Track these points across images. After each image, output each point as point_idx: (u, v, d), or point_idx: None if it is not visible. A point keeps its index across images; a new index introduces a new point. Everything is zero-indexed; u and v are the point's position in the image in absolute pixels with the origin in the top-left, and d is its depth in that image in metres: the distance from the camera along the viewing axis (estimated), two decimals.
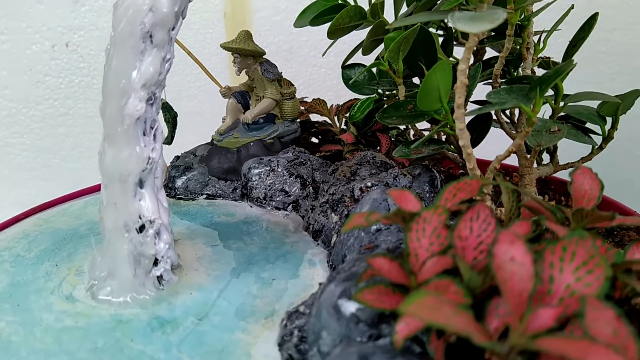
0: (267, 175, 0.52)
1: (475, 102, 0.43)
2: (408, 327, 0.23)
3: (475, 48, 0.50)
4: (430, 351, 0.25)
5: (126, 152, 0.36)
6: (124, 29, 0.34)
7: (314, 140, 0.65)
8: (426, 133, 0.48)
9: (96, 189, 0.59)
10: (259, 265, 0.43)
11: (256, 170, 0.53)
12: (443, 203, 0.29)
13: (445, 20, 0.51)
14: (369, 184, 0.43)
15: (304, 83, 0.89)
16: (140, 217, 0.37)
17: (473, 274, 0.22)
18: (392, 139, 0.58)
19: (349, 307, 0.28)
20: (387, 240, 0.35)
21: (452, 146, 0.44)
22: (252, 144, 0.55)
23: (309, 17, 0.56)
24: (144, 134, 0.36)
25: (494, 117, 0.45)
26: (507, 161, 0.45)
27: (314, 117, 0.66)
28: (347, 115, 0.59)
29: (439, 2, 0.39)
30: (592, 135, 0.45)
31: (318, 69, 0.89)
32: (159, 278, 0.39)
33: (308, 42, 0.88)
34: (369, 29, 0.53)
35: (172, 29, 0.35)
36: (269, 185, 0.52)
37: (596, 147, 0.45)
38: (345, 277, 0.30)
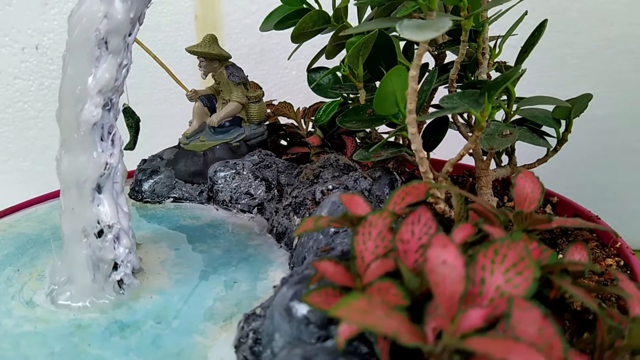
0: (233, 179, 0.52)
1: (434, 105, 0.44)
2: (350, 329, 0.23)
3: (436, 53, 0.51)
4: (377, 351, 0.26)
5: (83, 158, 0.36)
6: (78, 36, 0.34)
7: (283, 142, 0.65)
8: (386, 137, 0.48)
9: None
10: (222, 268, 0.43)
11: (222, 174, 0.53)
12: (391, 207, 0.30)
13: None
14: (330, 187, 0.44)
15: (275, 85, 0.89)
16: (98, 222, 0.37)
17: (412, 277, 0.23)
18: (358, 141, 0.59)
19: (300, 309, 0.29)
20: (344, 243, 0.36)
21: (410, 149, 0.45)
22: (218, 147, 0.56)
23: (274, 21, 0.56)
24: (102, 140, 0.36)
25: (451, 119, 0.45)
26: (471, 162, 0.47)
27: (283, 120, 0.67)
28: (314, 118, 0.59)
29: (397, 8, 0.40)
30: (548, 138, 0.46)
31: (289, 71, 0.89)
32: (120, 282, 0.39)
33: (279, 45, 0.88)
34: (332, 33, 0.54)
35: (128, 35, 0.35)
36: (235, 188, 0.52)
37: (551, 149, 0.46)
38: (298, 279, 0.31)
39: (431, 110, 0.48)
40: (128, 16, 0.35)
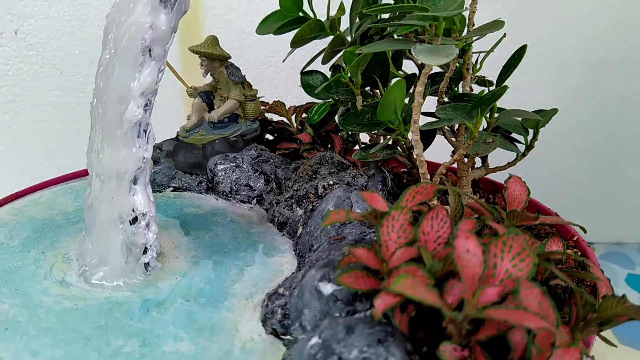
0: (233, 171, 0.57)
1: (423, 113, 0.50)
2: (384, 303, 0.29)
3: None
4: (395, 323, 0.32)
5: (124, 152, 0.40)
6: (126, 44, 0.38)
7: (269, 137, 0.70)
8: (380, 139, 0.54)
9: (62, 179, 0.62)
10: (232, 253, 0.48)
11: (222, 166, 0.58)
12: (404, 204, 0.35)
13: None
14: (331, 182, 0.49)
15: (252, 80, 0.93)
16: (133, 210, 0.41)
17: (435, 262, 0.29)
18: (343, 139, 0.64)
19: (328, 288, 0.35)
20: (352, 233, 0.42)
21: (401, 150, 0.51)
22: (217, 141, 0.60)
23: (271, 26, 0.61)
24: (139, 136, 0.41)
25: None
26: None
27: (269, 116, 0.71)
28: (304, 116, 0.64)
29: (391, 23, 0.45)
30: (517, 144, 0.53)
31: (267, 67, 0.94)
32: (146, 265, 0.43)
33: (258, 42, 0.92)
34: (325, 39, 0.59)
35: (167, 44, 0.40)
36: (235, 180, 0.57)
37: (520, 154, 0.53)
38: (324, 264, 0.36)
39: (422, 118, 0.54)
40: (170, 27, 0.39)
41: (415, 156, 0.41)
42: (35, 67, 0.91)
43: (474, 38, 0.49)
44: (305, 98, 0.68)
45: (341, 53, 0.61)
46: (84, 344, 0.36)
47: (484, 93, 0.53)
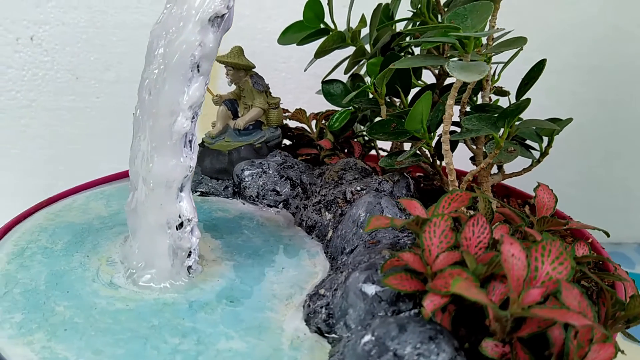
0: (260, 177, 0.59)
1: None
2: (433, 303, 0.32)
3: (437, 73, 0.60)
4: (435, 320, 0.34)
5: (173, 162, 0.42)
6: (177, 60, 0.40)
7: (286, 142, 0.72)
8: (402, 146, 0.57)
9: (92, 184, 0.64)
10: (266, 255, 0.50)
11: (248, 172, 0.60)
12: (441, 211, 0.38)
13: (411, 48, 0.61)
14: (359, 188, 0.52)
15: None
16: (179, 216, 0.44)
17: (479, 265, 0.32)
18: (361, 145, 0.67)
19: (372, 289, 0.37)
20: (386, 237, 0.44)
21: (424, 158, 0.54)
22: (242, 147, 0.62)
23: (292, 37, 0.64)
24: (185, 146, 0.43)
25: None
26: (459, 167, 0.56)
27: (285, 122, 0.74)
28: (324, 123, 0.67)
29: (423, 40, 0.48)
30: (532, 151, 0.56)
31: (278, 73, 0.96)
32: (189, 268, 0.46)
33: (269, 49, 0.95)
34: (344, 49, 0.62)
35: (213, 60, 0.42)
36: (261, 186, 0.59)
37: (535, 160, 0.56)
38: (366, 266, 0.39)
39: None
40: (217, 45, 0.41)
41: (445, 164, 0.44)
42: (51, 72, 0.93)
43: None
44: (315, 104, 0.71)
45: (360, 62, 0.63)
46: (142, 342, 0.38)
47: (497, 102, 0.56)
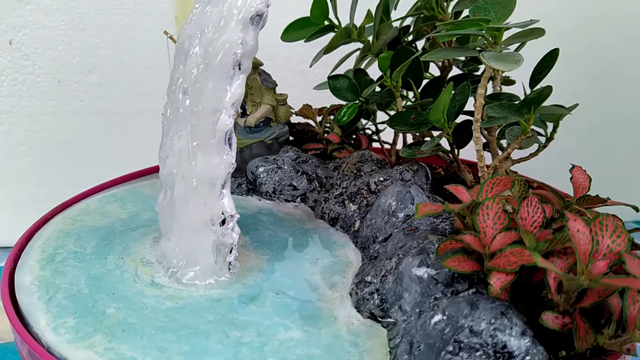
0: (275, 172, 0.60)
1: (464, 112, 0.54)
2: (500, 280, 0.34)
3: (441, 65, 0.62)
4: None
5: (216, 159, 0.43)
6: (221, 59, 0.41)
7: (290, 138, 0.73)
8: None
9: (101, 188, 0.63)
10: (297, 248, 0.51)
11: (263, 168, 0.61)
12: (484, 195, 0.40)
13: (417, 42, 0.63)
14: (382, 179, 0.53)
15: None
16: (222, 213, 0.44)
17: (541, 242, 0.34)
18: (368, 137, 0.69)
19: (428, 272, 0.39)
20: (423, 223, 0.46)
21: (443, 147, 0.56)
22: (254, 145, 0.63)
23: (295, 33, 0.65)
24: (225, 144, 0.44)
25: None
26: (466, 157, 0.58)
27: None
28: (331, 118, 0.68)
29: (451, 32, 0.50)
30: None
31: (272, 72, 0.96)
32: (229, 264, 0.46)
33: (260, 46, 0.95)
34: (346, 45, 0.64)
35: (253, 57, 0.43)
36: (278, 181, 0.60)
37: (541, 145, 0.59)
38: (417, 251, 0.40)
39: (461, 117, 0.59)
40: (257, 42, 0.42)
41: (476, 151, 0.46)
42: (32, 77, 0.91)
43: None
44: (303, 100, 0.71)
45: (366, 57, 0.65)
46: (204, 337, 0.39)
47: (501, 92, 0.59)
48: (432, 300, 0.39)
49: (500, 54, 0.42)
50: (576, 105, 0.56)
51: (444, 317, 0.34)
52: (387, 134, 0.70)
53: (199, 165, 0.43)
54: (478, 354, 0.32)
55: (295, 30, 0.66)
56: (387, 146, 0.68)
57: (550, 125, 0.57)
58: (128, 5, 0.90)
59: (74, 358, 0.37)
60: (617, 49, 0.93)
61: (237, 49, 0.41)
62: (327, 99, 0.72)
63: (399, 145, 0.67)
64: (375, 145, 0.70)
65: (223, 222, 0.45)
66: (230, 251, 0.46)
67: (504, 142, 0.58)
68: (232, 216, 0.45)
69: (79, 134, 0.94)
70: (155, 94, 0.95)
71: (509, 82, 0.59)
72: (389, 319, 0.40)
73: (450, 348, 0.33)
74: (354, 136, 0.71)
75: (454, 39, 0.56)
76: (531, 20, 0.43)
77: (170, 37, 0.62)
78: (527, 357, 0.32)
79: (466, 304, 0.34)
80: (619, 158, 1.00)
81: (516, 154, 0.60)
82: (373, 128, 0.69)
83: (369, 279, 0.43)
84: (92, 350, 0.37)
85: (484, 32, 0.43)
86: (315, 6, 0.62)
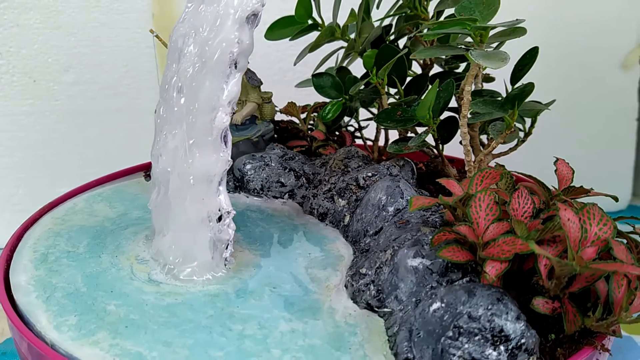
0: (263, 170, 0.61)
1: (448, 109, 0.56)
2: (495, 269, 0.36)
3: (422, 63, 0.64)
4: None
5: (213, 157, 0.44)
6: (218, 58, 0.42)
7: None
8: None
9: (86, 187, 0.63)
10: (288, 244, 0.52)
11: (250, 165, 0.62)
12: (475, 188, 0.42)
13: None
14: (370, 174, 0.55)
15: None
16: (219, 209, 0.45)
17: (533, 231, 0.36)
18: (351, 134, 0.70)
19: (423, 263, 0.40)
20: (414, 216, 0.48)
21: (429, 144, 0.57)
22: (241, 142, 0.64)
23: (280, 32, 0.66)
24: (221, 141, 0.44)
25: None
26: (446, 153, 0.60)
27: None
28: (315, 115, 0.69)
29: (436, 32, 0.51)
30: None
31: None
32: (225, 259, 0.47)
33: None
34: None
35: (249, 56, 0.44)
36: (265, 178, 0.61)
37: (520, 140, 0.61)
38: (412, 243, 0.42)
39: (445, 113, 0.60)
40: (252, 41, 0.43)
41: (463, 146, 0.48)
42: (7, 76, 0.90)
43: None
44: (284, 98, 0.72)
45: (349, 56, 0.66)
46: (207, 331, 0.40)
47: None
48: (427, 289, 0.40)
49: (487, 52, 0.44)
50: (553, 101, 0.58)
51: (443, 305, 0.36)
52: (368, 131, 0.72)
53: (196, 162, 0.44)
54: (477, 338, 0.34)
55: (280, 29, 0.66)
56: (369, 143, 0.69)
57: (528, 121, 0.59)
58: (104, 3, 0.90)
59: (80, 355, 0.37)
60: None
61: (233, 48, 0.42)
62: (307, 96, 0.74)
63: (381, 142, 0.69)
64: (358, 142, 0.71)
65: (219, 218, 0.45)
66: (227, 247, 0.47)
67: (483, 138, 0.61)
68: (228, 212, 0.45)
69: (56, 134, 0.93)
70: (132, 92, 0.94)
71: (488, 79, 0.61)
72: (385, 309, 0.42)
73: (450, 333, 0.34)
74: (336, 133, 0.72)
75: (436, 38, 0.58)
76: (517, 19, 0.45)
77: (157, 36, 0.62)
78: (522, 340, 0.34)
79: (463, 291, 0.36)
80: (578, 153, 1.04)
81: (496, 149, 0.63)
82: (355, 125, 0.71)
83: (363, 271, 0.44)
84: (98, 346, 0.38)
85: (469, 31, 0.45)
86: (300, 5, 0.63)
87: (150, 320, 0.41)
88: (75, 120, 0.94)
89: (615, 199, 0.44)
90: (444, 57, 0.64)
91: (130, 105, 0.94)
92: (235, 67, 0.43)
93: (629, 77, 1.01)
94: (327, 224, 0.56)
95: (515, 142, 0.61)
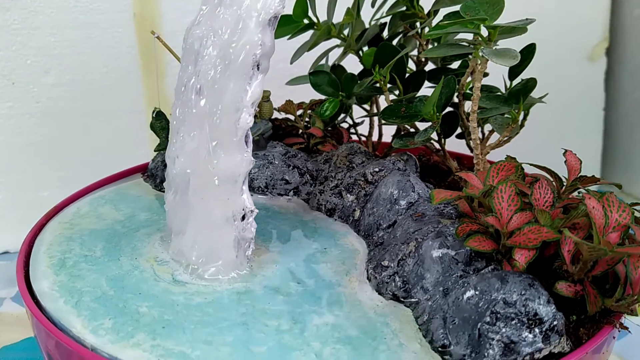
0: (267, 168, 0.62)
1: (450, 105, 0.58)
2: (524, 256, 0.38)
3: (423, 60, 0.66)
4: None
5: (238, 157, 0.44)
6: (243, 60, 0.42)
7: None
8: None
9: (87, 191, 0.63)
10: (303, 240, 0.53)
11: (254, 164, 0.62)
12: (492, 180, 0.44)
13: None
14: (377, 169, 0.56)
15: None
16: (243, 209, 0.46)
17: (557, 219, 0.38)
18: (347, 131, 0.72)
19: (448, 253, 0.42)
20: (428, 209, 0.49)
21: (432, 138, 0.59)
22: None
23: (280, 29, 0.67)
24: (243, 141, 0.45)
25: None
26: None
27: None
28: (310, 112, 0.70)
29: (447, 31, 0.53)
30: None
31: None
32: (247, 257, 0.48)
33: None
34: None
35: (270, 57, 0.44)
36: (270, 176, 0.62)
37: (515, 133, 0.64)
38: (435, 235, 0.44)
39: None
40: (273, 42, 0.44)
41: (472, 140, 0.50)
42: None
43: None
44: (276, 97, 0.73)
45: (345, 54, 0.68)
46: (244, 328, 0.40)
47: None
48: (453, 279, 0.42)
49: (497, 51, 0.46)
50: (546, 94, 0.61)
51: (477, 292, 0.38)
52: (362, 128, 0.73)
53: (221, 163, 0.44)
54: (514, 322, 0.36)
55: (279, 28, 0.67)
56: (364, 139, 0.71)
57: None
58: (84, 3, 0.89)
59: (124, 357, 0.37)
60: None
61: (256, 50, 0.43)
62: (290, 93, 0.75)
63: (375, 138, 0.71)
64: (353, 138, 0.73)
65: (243, 217, 0.46)
66: (249, 245, 0.47)
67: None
68: (252, 211, 0.46)
69: (36, 137, 0.91)
70: (114, 93, 0.93)
71: (484, 75, 0.64)
72: (412, 299, 0.44)
73: (488, 319, 0.36)
74: (329, 129, 0.73)
75: (436, 37, 0.60)
76: (527, 19, 0.47)
77: (158, 37, 0.62)
78: (555, 322, 0.36)
79: (496, 279, 0.37)
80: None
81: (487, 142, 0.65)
82: (350, 122, 0.72)
83: (385, 263, 0.46)
84: (140, 348, 0.38)
85: (478, 30, 0.47)
86: (297, 5, 0.64)
87: (185, 320, 0.41)
88: (56, 122, 0.92)
89: (619, 186, 0.47)
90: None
91: (112, 106, 0.93)
92: (258, 68, 0.44)
93: (595, 68, 1.06)
94: (336, 219, 0.57)
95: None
